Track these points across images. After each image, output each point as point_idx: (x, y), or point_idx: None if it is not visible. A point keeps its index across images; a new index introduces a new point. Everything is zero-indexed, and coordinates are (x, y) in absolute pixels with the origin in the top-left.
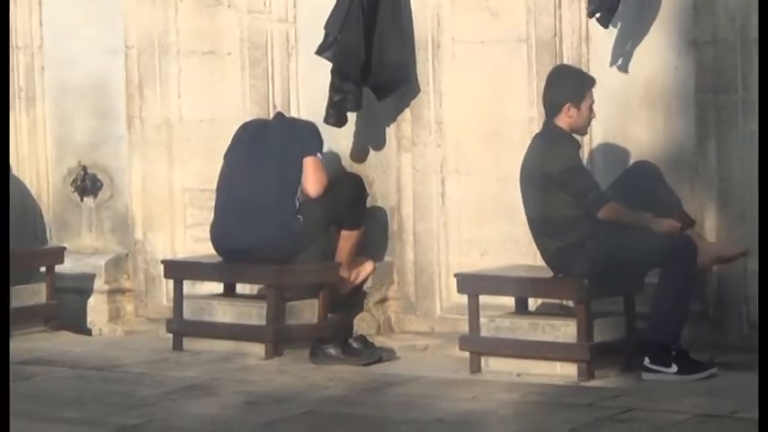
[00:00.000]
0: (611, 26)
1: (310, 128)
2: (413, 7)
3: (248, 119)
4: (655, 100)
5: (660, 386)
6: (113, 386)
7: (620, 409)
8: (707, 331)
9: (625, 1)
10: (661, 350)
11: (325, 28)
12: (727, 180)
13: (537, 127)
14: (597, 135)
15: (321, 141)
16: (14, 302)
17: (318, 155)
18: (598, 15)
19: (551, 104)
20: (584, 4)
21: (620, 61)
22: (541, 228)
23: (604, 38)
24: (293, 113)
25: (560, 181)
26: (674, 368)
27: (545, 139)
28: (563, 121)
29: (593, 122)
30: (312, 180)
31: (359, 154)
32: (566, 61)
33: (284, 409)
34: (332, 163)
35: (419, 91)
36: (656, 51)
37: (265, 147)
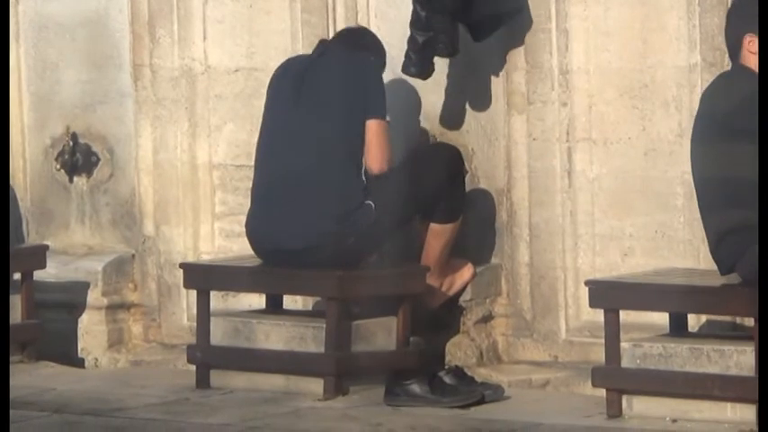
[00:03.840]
0: None
1: (373, 66)
2: None
3: (291, 57)
4: None
5: None
6: None
7: None
8: None
9: None
10: None
11: None
12: None
13: (700, 77)
14: None
15: (384, 95)
16: None
17: (387, 117)
18: None
19: (731, 40)
20: None
21: None
22: (709, 199)
23: None
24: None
25: (733, 122)
26: None
27: (728, 75)
28: (748, 60)
29: None
30: (375, 151)
31: (454, 116)
32: None
33: None
34: (415, 128)
35: (532, 28)
36: None
37: (315, 97)
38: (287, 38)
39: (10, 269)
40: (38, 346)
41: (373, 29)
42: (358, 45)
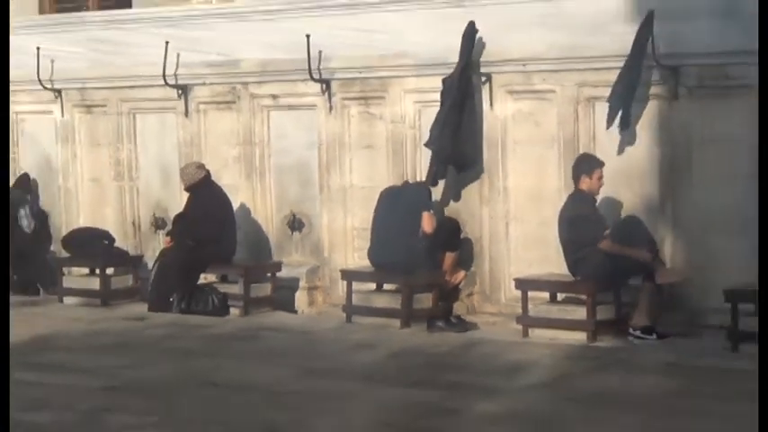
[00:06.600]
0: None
1: (428, 193)
2: (486, 119)
3: (390, 185)
4: (630, 174)
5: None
6: (310, 343)
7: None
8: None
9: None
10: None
11: (430, 130)
12: None
13: (564, 194)
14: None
15: (431, 200)
16: (253, 293)
17: (431, 210)
18: (616, 122)
19: (574, 176)
20: (594, 117)
21: (616, 150)
22: (567, 248)
23: (605, 137)
24: (418, 179)
25: (573, 221)
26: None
27: (571, 197)
28: (584, 184)
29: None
30: (427, 225)
31: (454, 205)
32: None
33: (410, 357)
34: (439, 211)
35: (489, 170)
36: (637, 140)
37: (401, 201)
38: (385, 172)
39: (264, 272)
40: (277, 305)
41: (421, 170)
42: (416, 184)
